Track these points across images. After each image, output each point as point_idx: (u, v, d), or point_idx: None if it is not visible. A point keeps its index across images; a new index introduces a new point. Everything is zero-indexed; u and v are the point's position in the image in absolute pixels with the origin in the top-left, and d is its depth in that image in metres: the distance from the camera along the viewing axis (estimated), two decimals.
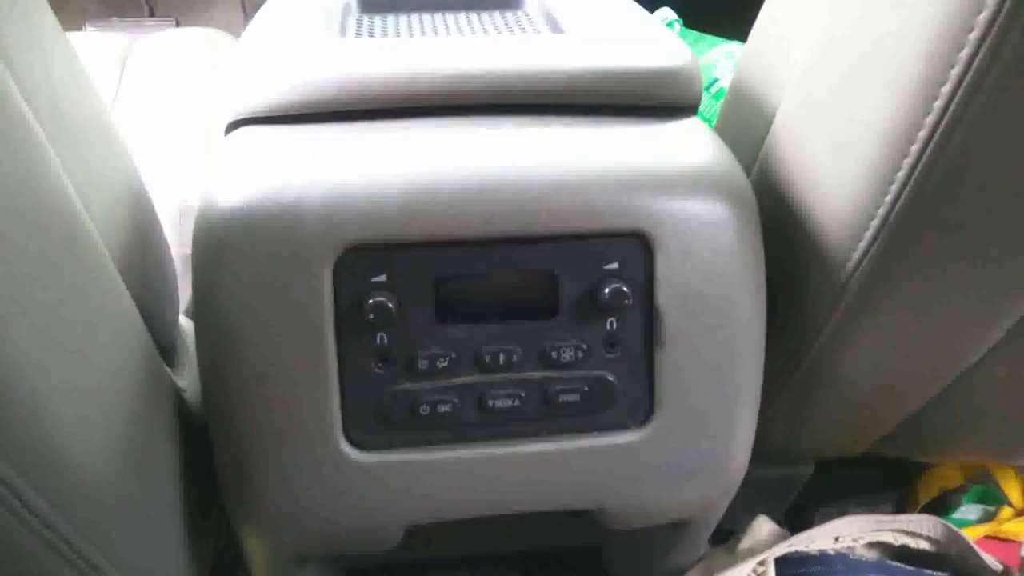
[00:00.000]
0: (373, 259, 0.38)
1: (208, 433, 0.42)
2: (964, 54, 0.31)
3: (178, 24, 1.29)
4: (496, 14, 0.57)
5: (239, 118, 0.44)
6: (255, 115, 0.43)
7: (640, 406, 0.42)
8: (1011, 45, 0.30)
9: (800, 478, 0.63)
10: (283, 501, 0.41)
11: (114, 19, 1.26)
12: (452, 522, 0.43)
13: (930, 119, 0.33)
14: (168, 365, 0.46)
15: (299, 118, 0.43)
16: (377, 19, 0.56)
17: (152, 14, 1.31)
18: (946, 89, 0.32)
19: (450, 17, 0.56)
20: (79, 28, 1.23)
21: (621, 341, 0.41)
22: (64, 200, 0.32)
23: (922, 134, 0.34)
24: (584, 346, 0.40)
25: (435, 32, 0.52)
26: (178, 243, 0.53)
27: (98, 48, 0.84)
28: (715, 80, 0.80)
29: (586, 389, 0.41)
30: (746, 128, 0.50)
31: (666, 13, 1.02)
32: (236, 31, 1.24)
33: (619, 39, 0.47)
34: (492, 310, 0.40)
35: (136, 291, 0.39)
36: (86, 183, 0.36)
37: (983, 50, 0.30)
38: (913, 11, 0.34)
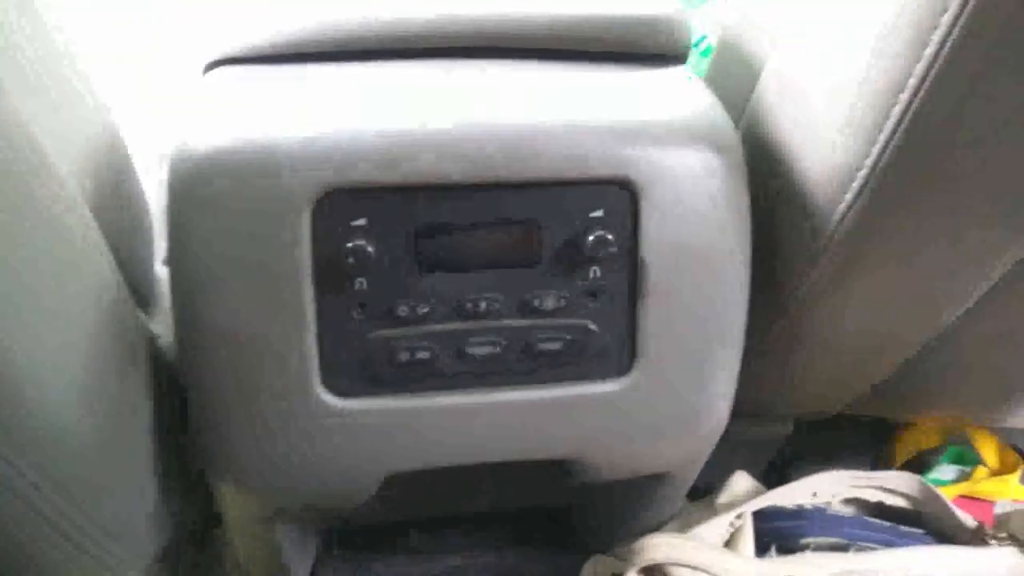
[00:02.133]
0: (353, 203, 0.37)
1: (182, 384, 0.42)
2: (946, 18, 0.31)
3: None
4: None
5: (217, 58, 0.43)
6: (233, 56, 0.42)
7: (621, 356, 0.41)
8: (990, 9, 0.30)
9: (779, 436, 0.63)
10: (261, 450, 0.40)
11: None
12: (428, 474, 0.43)
13: (919, 66, 0.33)
14: (144, 312, 0.45)
15: (278, 58, 0.42)
16: None
17: None
18: (936, 36, 0.32)
19: None
20: None
21: (604, 290, 0.40)
22: (32, 148, 0.31)
23: (904, 95, 0.34)
24: (566, 295, 0.40)
25: None
26: (157, 189, 0.52)
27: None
28: (703, 37, 0.79)
29: (567, 338, 0.40)
30: (734, 81, 0.50)
31: None
32: None
33: None
34: (474, 257, 0.39)
35: (109, 236, 0.38)
36: (53, 128, 0.35)
37: (965, 14, 0.30)
38: None
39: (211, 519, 0.58)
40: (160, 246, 0.53)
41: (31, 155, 0.31)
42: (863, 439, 0.71)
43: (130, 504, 0.41)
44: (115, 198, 0.42)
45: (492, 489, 0.55)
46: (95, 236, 0.37)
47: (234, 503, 0.46)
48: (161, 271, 0.53)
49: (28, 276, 0.30)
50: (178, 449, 0.45)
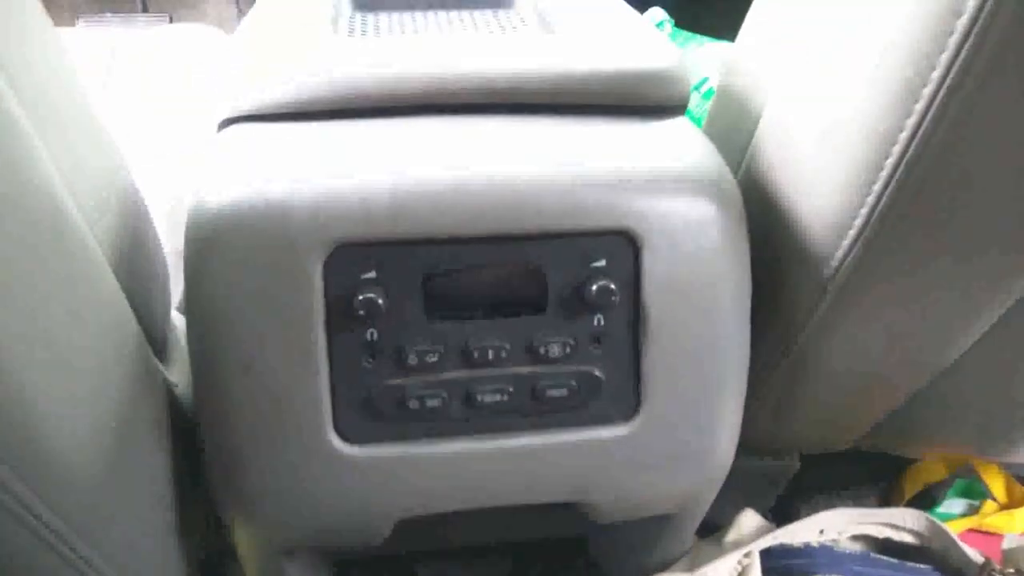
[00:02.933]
0: (363, 256, 0.39)
1: (198, 429, 0.43)
2: (944, 57, 0.32)
3: (171, 20, 1.29)
4: (488, 12, 0.57)
5: (232, 116, 0.44)
6: (247, 113, 0.44)
7: (627, 400, 0.42)
8: (990, 48, 0.31)
9: (786, 472, 0.63)
10: (272, 494, 0.41)
11: (107, 15, 1.26)
12: (440, 515, 0.44)
13: (911, 120, 0.34)
14: (159, 360, 0.46)
15: (291, 116, 0.43)
16: (369, 17, 0.56)
17: (145, 10, 1.31)
18: (927, 91, 0.33)
19: (442, 15, 0.57)
20: (72, 24, 1.23)
21: (608, 337, 0.41)
22: (49, 190, 0.32)
23: (903, 135, 0.35)
24: (572, 341, 0.41)
25: (427, 30, 0.53)
26: (170, 239, 0.53)
27: (90, 43, 0.84)
28: (705, 80, 0.80)
29: (573, 384, 0.41)
30: (734, 127, 0.51)
31: (657, 13, 1.03)
32: (228, 27, 1.25)
33: (609, 39, 0.48)
34: (481, 306, 0.40)
35: (126, 285, 0.40)
36: (73, 176, 0.36)
37: (963, 53, 0.31)
38: (896, 15, 0.34)
39: (225, 554, 0.58)
40: (175, 293, 0.55)
41: (56, 202, 0.32)
42: (870, 473, 0.72)
43: (141, 543, 0.42)
44: (131, 245, 0.43)
45: (503, 521, 0.55)
46: (111, 282, 0.38)
47: (246, 542, 0.47)
48: (176, 318, 0.54)
49: (45, 319, 0.31)
50: (189, 493, 0.46)
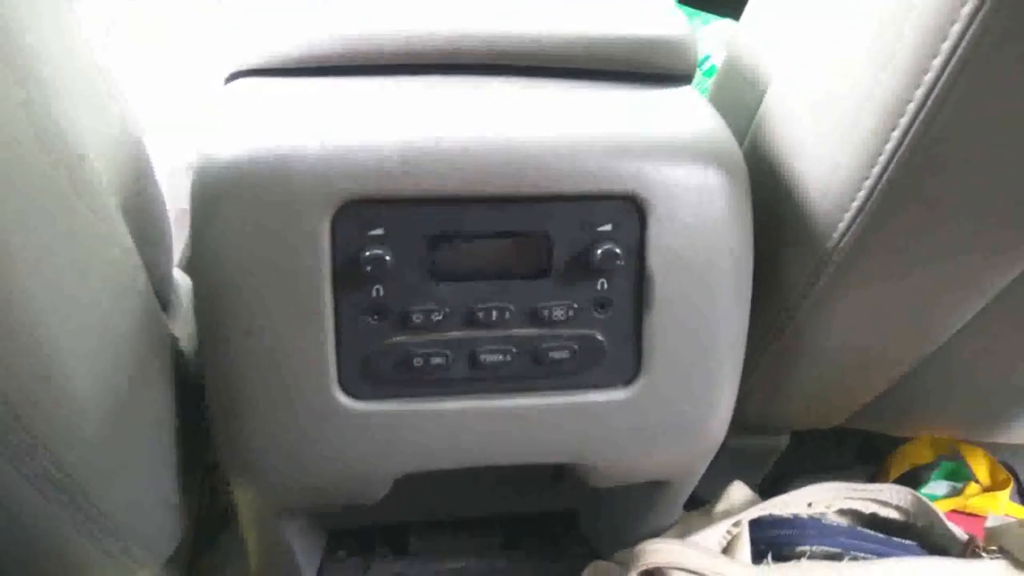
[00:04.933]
0: (370, 213, 0.39)
1: (200, 384, 0.43)
2: (956, 28, 0.32)
3: None
4: None
5: (238, 70, 0.44)
6: (255, 67, 0.44)
7: (627, 365, 0.43)
8: (1002, 19, 0.31)
9: (775, 449, 0.64)
10: (277, 449, 0.42)
11: None
12: (438, 476, 0.44)
13: (920, 92, 0.34)
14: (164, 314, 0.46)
15: (299, 71, 0.43)
16: None
17: None
18: (937, 62, 0.33)
19: None
20: None
21: (611, 302, 0.42)
22: (68, 138, 0.32)
23: (911, 106, 0.35)
24: (575, 305, 0.41)
25: None
26: (170, 198, 0.53)
27: (88, 3, 0.84)
28: (707, 57, 0.81)
29: (575, 347, 0.42)
30: (738, 103, 0.51)
31: None
32: None
33: (618, 6, 0.48)
34: (486, 267, 0.41)
35: (135, 238, 0.40)
36: (90, 127, 0.36)
37: (975, 24, 0.31)
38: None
39: (222, 521, 0.59)
40: (176, 250, 0.55)
41: (74, 150, 0.32)
42: (858, 453, 0.73)
43: (146, 498, 0.42)
44: (138, 202, 0.43)
45: (495, 493, 0.56)
46: (124, 232, 0.38)
47: (247, 501, 0.47)
48: (178, 275, 0.54)
49: (62, 269, 0.31)
50: (191, 449, 0.46)
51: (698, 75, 0.80)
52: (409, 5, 0.46)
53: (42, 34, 0.34)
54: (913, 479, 0.71)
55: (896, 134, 0.36)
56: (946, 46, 0.33)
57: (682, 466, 0.49)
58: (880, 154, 0.37)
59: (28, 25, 0.31)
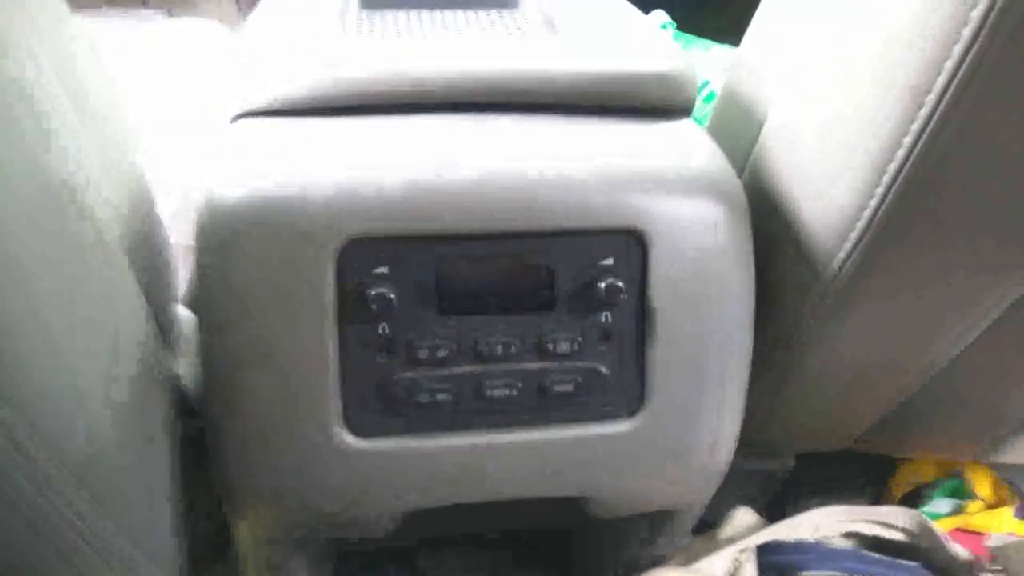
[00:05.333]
0: (375, 251, 0.39)
1: (202, 423, 0.43)
2: (949, 64, 0.33)
3: (171, 13, 1.29)
4: (493, 13, 0.58)
5: (243, 111, 0.45)
6: (259, 108, 0.44)
7: (631, 397, 0.43)
8: (993, 58, 0.32)
9: (781, 472, 0.64)
10: (281, 486, 0.42)
11: (106, 8, 1.25)
12: (444, 507, 0.44)
13: (916, 125, 0.35)
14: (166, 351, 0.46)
15: (303, 112, 0.44)
16: (376, 15, 0.57)
17: (145, 3, 1.31)
18: (932, 96, 0.34)
19: (448, 15, 0.57)
20: None
21: (614, 334, 0.42)
22: (75, 181, 0.32)
23: (907, 139, 0.35)
24: (579, 338, 0.42)
25: (434, 30, 0.53)
26: (173, 232, 0.54)
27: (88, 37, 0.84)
28: (707, 83, 0.81)
29: (580, 380, 0.42)
30: (738, 130, 0.52)
31: (660, 16, 1.04)
32: (228, 22, 1.24)
33: (617, 42, 0.48)
34: (491, 302, 0.41)
35: (139, 277, 0.40)
36: (102, 166, 0.37)
37: (968, 60, 0.32)
38: (902, 22, 0.35)
39: (220, 547, 0.59)
40: (179, 286, 0.55)
41: (84, 196, 0.33)
42: (863, 473, 0.73)
43: (146, 527, 0.42)
44: (145, 237, 0.44)
45: (502, 515, 0.56)
46: (129, 273, 0.38)
47: (249, 533, 0.47)
48: (182, 311, 0.54)
49: (70, 310, 0.31)
50: (195, 485, 0.47)
51: (698, 101, 0.81)
52: (410, 45, 0.47)
53: (45, 65, 0.34)
54: (916, 498, 0.71)
55: (894, 165, 0.37)
56: (940, 81, 0.33)
57: (688, 495, 0.49)
58: (879, 184, 0.38)
59: (30, 58, 0.32)
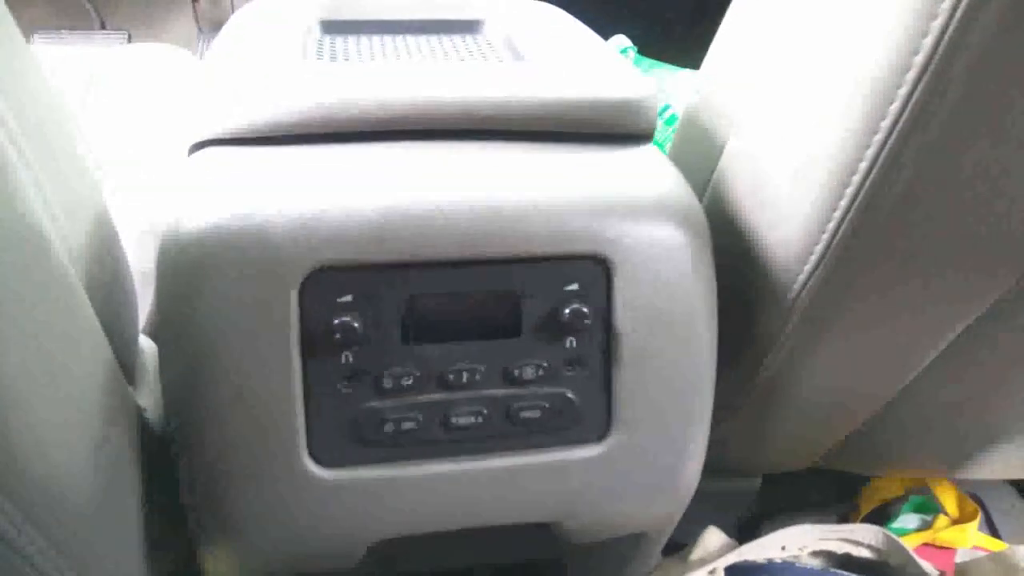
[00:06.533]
0: (339, 280, 0.39)
1: (167, 452, 0.42)
2: (902, 91, 0.33)
3: (130, 38, 1.28)
4: (456, 38, 0.58)
5: (204, 139, 0.44)
6: (220, 137, 0.44)
7: (599, 422, 0.43)
8: (947, 84, 0.32)
9: (749, 491, 0.65)
10: (248, 518, 0.41)
11: (64, 32, 1.24)
12: (415, 537, 0.44)
13: (870, 152, 0.36)
14: (129, 383, 0.46)
15: (265, 140, 0.43)
16: (339, 41, 0.57)
17: (103, 27, 1.30)
18: (886, 123, 0.35)
19: (411, 40, 0.57)
20: (27, 40, 1.21)
21: (581, 360, 0.42)
22: (35, 218, 0.32)
23: (863, 165, 0.36)
24: (545, 364, 0.42)
25: (397, 56, 0.53)
26: (135, 261, 0.53)
27: (49, 63, 0.83)
28: (667, 107, 0.82)
29: (547, 406, 0.42)
30: (699, 154, 0.52)
31: (621, 40, 1.05)
32: (189, 45, 1.24)
33: (579, 68, 0.49)
34: (456, 329, 0.41)
35: (99, 309, 0.39)
36: (59, 200, 0.36)
37: (920, 88, 0.33)
38: (856, 50, 0.36)
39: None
40: (142, 314, 0.54)
41: (40, 230, 0.32)
42: (829, 491, 0.73)
43: (114, 564, 0.41)
44: (104, 269, 0.43)
45: (474, 546, 0.55)
46: (87, 307, 0.37)
47: (219, 566, 0.46)
48: (143, 342, 0.53)
49: (27, 347, 0.31)
50: (161, 518, 0.46)
51: (659, 124, 0.82)
52: (375, 71, 0.47)
53: (22, 98, 0.34)
54: (884, 514, 0.72)
55: (850, 190, 0.37)
56: (893, 108, 0.34)
57: (658, 518, 0.49)
58: (836, 209, 0.38)
59: (17, 93, 0.31)
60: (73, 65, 0.82)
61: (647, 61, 1.02)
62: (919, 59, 0.32)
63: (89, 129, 0.74)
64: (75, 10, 1.28)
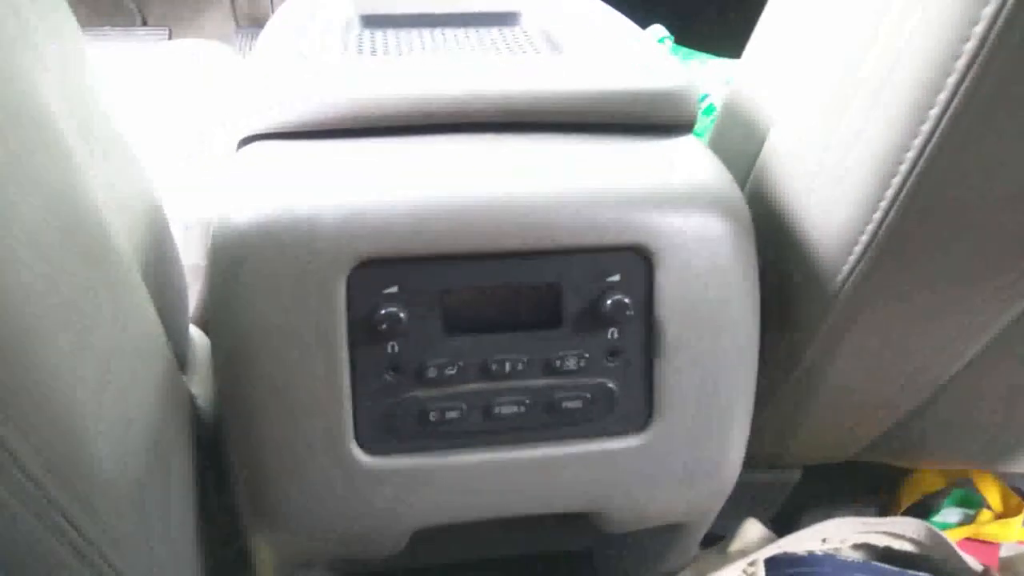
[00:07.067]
0: (385, 272, 0.40)
1: (216, 439, 0.43)
2: (952, 80, 0.33)
3: (171, 34, 1.30)
4: (495, 31, 0.59)
5: (251, 134, 0.45)
6: (267, 131, 0.45)
7: (639, 413, 0.43)
8: (996, 72, 0.32)
9: (788, 483, 0.65)
10: (296, 505, 0.42)
11: (107, 28, 1.27)
12: (455, 526, 0.44)
13: (918, 141, 0.35)
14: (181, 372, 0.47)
15: (310, 134, 0.44)
16: (379, 35, 0.57)
17: (145, 23, 1.32)
18: (934, 112, 0.34)
19: (449, 33, 0.58)
20: None
21: (622, 350, 0.42)
22: (96, 214, 0.33)
23: (910, 155, 0.36)
24: (586, 355, 0.42)
25: (436, 50, 0.54)
26: (181, 255, 0.54)
27: (93, 59, 0.85)
28: (705, 96, 0.82)
29: (588, 396, 0.42)
30: (739, 144, 0.52)
31: (658, 30, 1.05)
32: (228, 40, 1.25)
33: (619, 60, 0.49)
34: (499, 321, 0.41)
35: (155, 300, 0.40)
36: (113, 195, 0.37)
37: (970, 76, 0.32)
38: (904, 38, 0.35)
39: (238, 572, 0.59)
40: (190, 305, 0.55)
41: (101, 225, 0.33)
42: (870, 484, 0.73)
43: (164, 550, 0.42)
44: (158, 261, 0.44)
45: (512, 536, 0.56)
46: (145, 298, 0.38)
47: (265, 552, 0.47)
48: (193, 332, 0.55)
49: (91, 336, 0.31)
50: (210, 506, 0.47)
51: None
52: (416, 65, 0.48)
53: (62, 95, 0.34)
54: (925, 508, 0.71)
55: (896, 179, 0.37)
56: (942, 97, 0.34)
57: (697, 509, 0.49)
58: (881, 199, 0.38)
59: (50, 88, 0.32)
60: (114, 60, 0.83)
61: (684, 50, 1.01)
62: (969, 46, 0.32)
63: (133, 124, 0.76)
64: (116, 7, 1.31)
